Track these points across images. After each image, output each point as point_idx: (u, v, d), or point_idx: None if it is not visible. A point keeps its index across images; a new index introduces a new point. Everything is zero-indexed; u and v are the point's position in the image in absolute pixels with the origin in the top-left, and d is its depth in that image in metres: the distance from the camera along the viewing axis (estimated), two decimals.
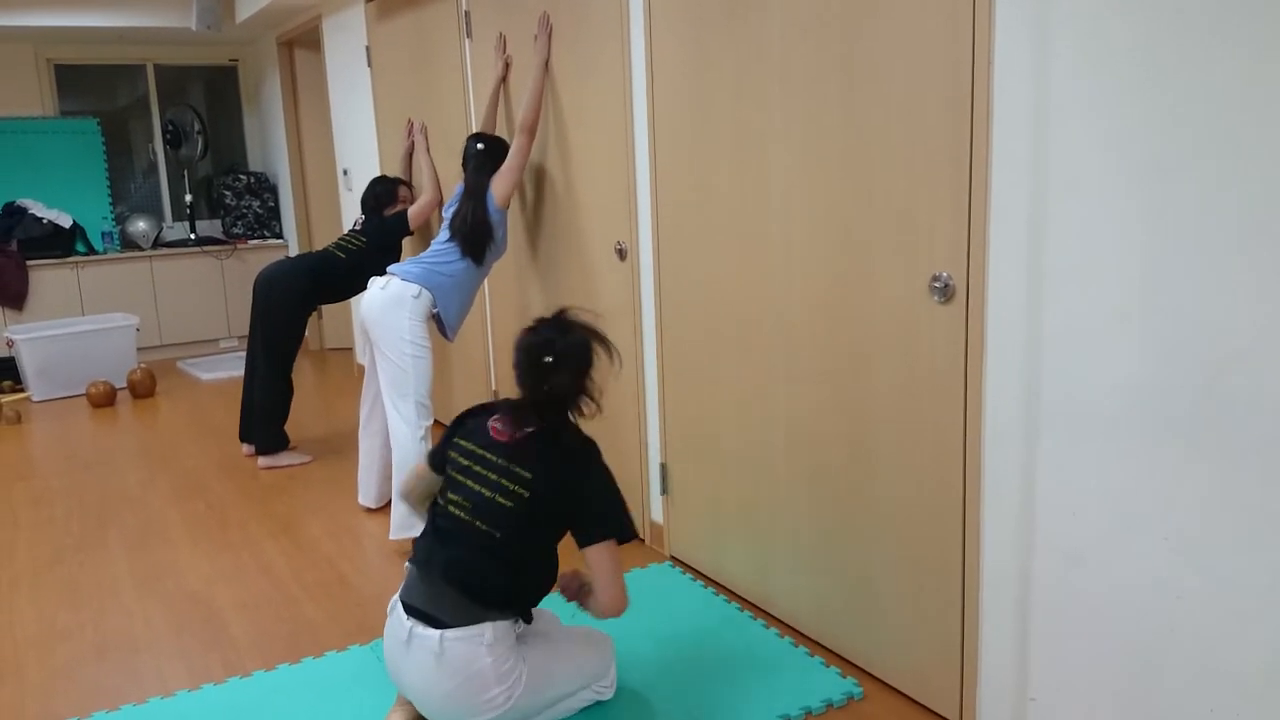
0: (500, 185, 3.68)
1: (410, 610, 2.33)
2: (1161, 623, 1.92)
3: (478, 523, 2.32)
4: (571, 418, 2.41)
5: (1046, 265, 2.02)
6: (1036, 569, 2.16)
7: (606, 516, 2.35)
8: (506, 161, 3.70)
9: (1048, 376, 2.06)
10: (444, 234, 3.78)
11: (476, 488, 2.34)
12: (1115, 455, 1.96)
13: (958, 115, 2.15)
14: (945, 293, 2.24)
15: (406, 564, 2.47)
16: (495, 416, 2.42)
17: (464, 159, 3.82)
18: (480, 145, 3.78)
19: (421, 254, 3.76)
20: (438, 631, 2.27)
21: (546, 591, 2.42)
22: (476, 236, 3.68)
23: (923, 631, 2.48)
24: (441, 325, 3.75)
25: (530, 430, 2.35)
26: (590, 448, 2.40)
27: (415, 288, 3.60)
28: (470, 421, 2.47)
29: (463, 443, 2.43)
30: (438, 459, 2.52)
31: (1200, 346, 1.78)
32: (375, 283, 3.68)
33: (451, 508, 2.37)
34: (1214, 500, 1.80)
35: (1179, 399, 1.83)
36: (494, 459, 2.35)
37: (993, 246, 2.13)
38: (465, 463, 2.39)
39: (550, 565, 2.41)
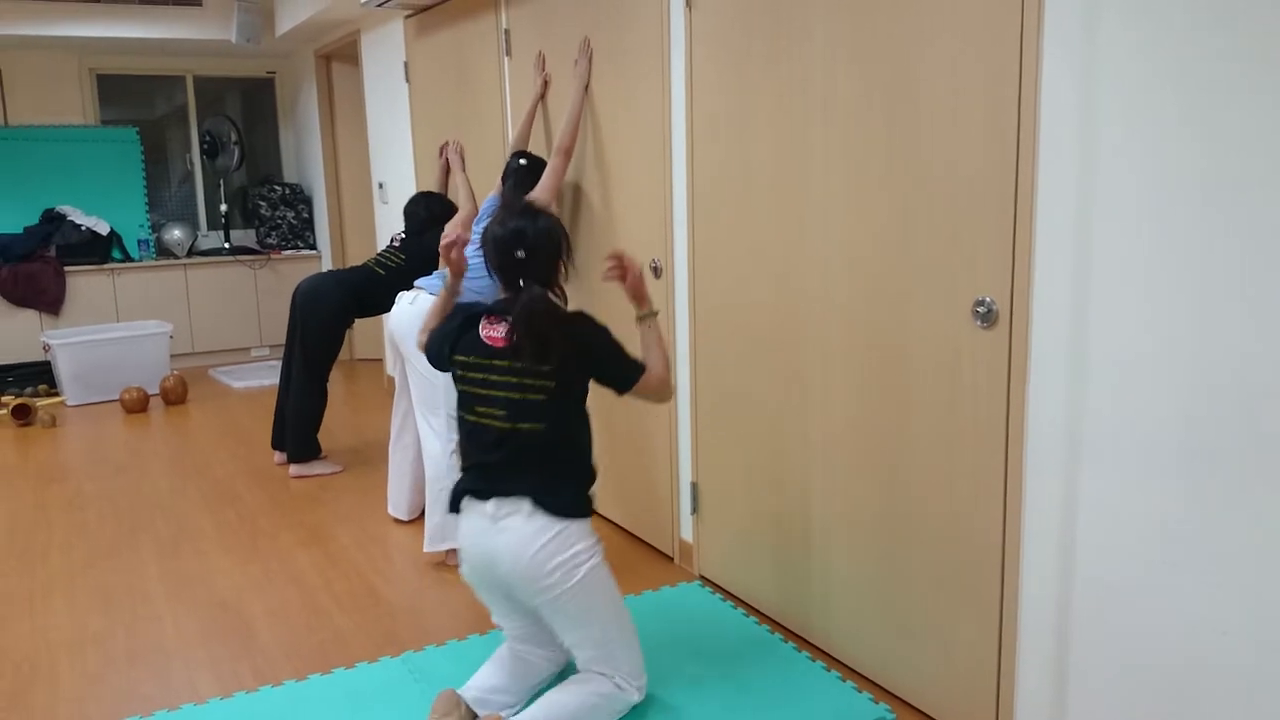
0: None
1: (480, 486, 2.43)
2: (1204, 658, 1.89)
3: (521, 425, 2.41)
4: (552, 297, 2.48)
5: (1092, 292, 2.01)
6: (1075, 599, 2.14)
7: (627, 363, 2.50)
8: (542, 181, 3.70)
9: (1091, 404, 2.04)
10: (473, 247, 3.79)
11: (504, 394, 2.42)
12: (1159, 486, 1.93)
13: (1003, 141, 2.15)
14: (988, 317, 2.22)
15: (453, 484, 2.55)
16: (484, 323, 2.48)
17: (504, 174, 3.84)
18: (523, 161, 3.80)
19: None
20: (527, 497, 2.38)
21: (591, 438, 2.56)
22: None
23: (958, 658, 2.46)
24: None
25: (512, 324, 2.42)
26: (577, 316, 2.49)
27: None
28: (463, 337, 2.51)
29: (465, 359, 2.49)
30: (435, 359, 2.61)
31: (1248, 378, 1.76)
32: (404, 297, 3.71)
33: (487, 420, 2.44)
34: (1259, 534, 1.78)
35: (1225, 430, 1.81)
36: (505, 364, 2.42)
37: (1037, 272, 2.12)
38: (479, 376, 2.46)
39: (587, 419, 2.53)
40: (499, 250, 2.45)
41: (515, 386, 2.41)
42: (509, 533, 2.38)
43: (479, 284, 3.68)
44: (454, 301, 2.78)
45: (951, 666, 2.48)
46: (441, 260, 3.04)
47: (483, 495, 2.43)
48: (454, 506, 2.53)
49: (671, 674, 2.80)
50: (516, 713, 2.43)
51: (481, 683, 2.55)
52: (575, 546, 2.40)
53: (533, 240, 2.43)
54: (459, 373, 2.52)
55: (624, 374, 2.50)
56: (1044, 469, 2.17)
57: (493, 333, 2.45)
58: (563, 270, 2.53)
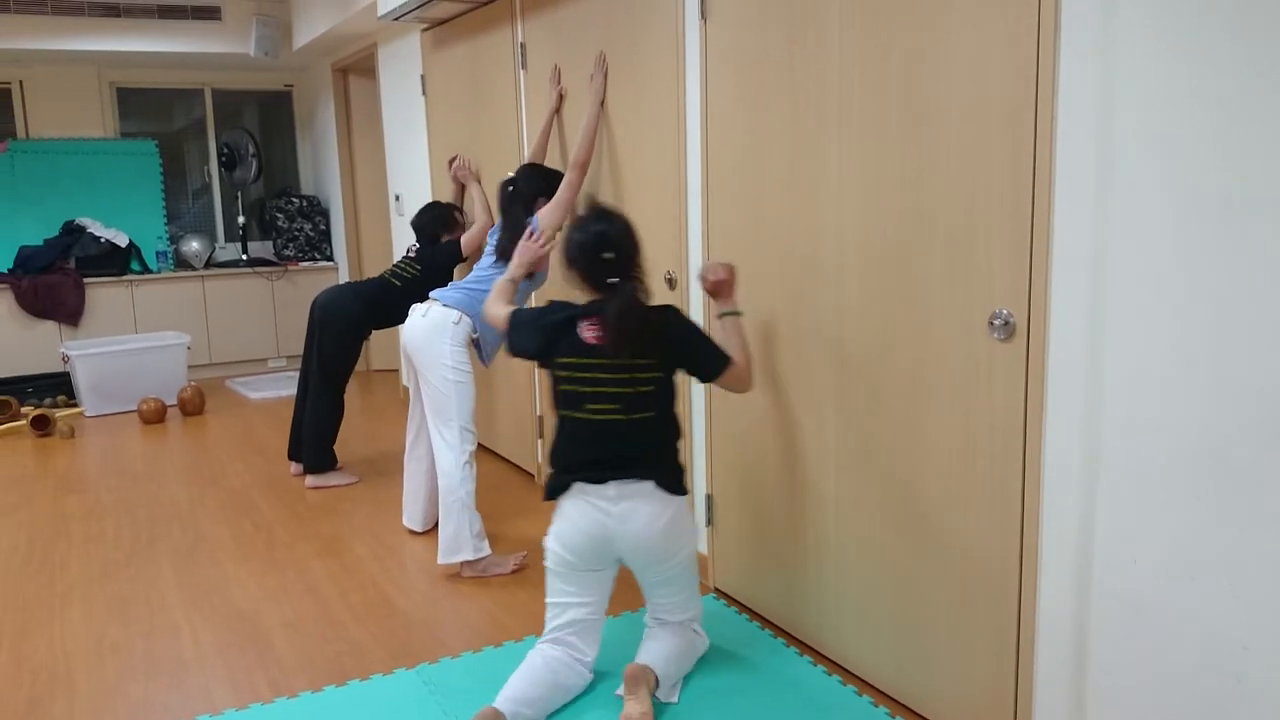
0: (547, 219, 3.69)
1: (596, 475, 2.58)
2: (1227, 674, 1.88)
3: (635, 416, 2.60)
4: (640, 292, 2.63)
5: (1110, 305, 2.00)
6: (1094, 615, 2.12)
7: (714, 353, 2.70)
8: (556, 196, 3.70)
9: (1110, 418, 2.03)
10: (488, 259, 3.81)
11: (616, 390, 2.59)
12: (1179, 501, 1.92)
13: (1019, 151, 2.14)
14: (1005, 330, 2.22)
15: (550, 478, 2.70)
16: (583, 324, 2.62)
17: (500, 205, 3.93)
18: (510, 188, 3.85)
19: (465, 278, 3.79)
20: (650, 479, 2.58)
21: None
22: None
23: (975, 675, 2.45)
24: (480, 350, 3.77)
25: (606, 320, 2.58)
26: (666, 308, 2.68)
27: (455, 313, 3.63)
28: (563, 338, 2.64)
29: (569, 359, 2.63)
30: (526, 351, 2.75)
31: (1268, 391, 1.75)
32: (417, 309, 3.72)
33: (600, 417, 2.60)
34: None
35: (1245, 444, 1.80)
36: (610, 361, 2.58)
37: (1055, 284, 2.11)
38: (585, 375, 2.60)
39: (676, 394, 2.73)
40: (585, 253, 2.61)
41: (627, 382, 2.58)
42: (638, 512, 2.58)
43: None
44: (516, 289, 3.17)
45: (968, 681, 2.47)
46: (519, 256, 3.24)
47: (599, 480, 2.59)
48: (554, 495, 2.68)
49: (687, 686, 2.79)
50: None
51: (513, 694, 2.59)
52: (684, 525, 2.68)
53: (616, 241, 2.61)
54: (562, 374, 2.65)
55: (712, 363, 2.70)
56: (1062, 482, 2.16)
57: (594, 332, 2.60)
58: (641, 266, 2.67)
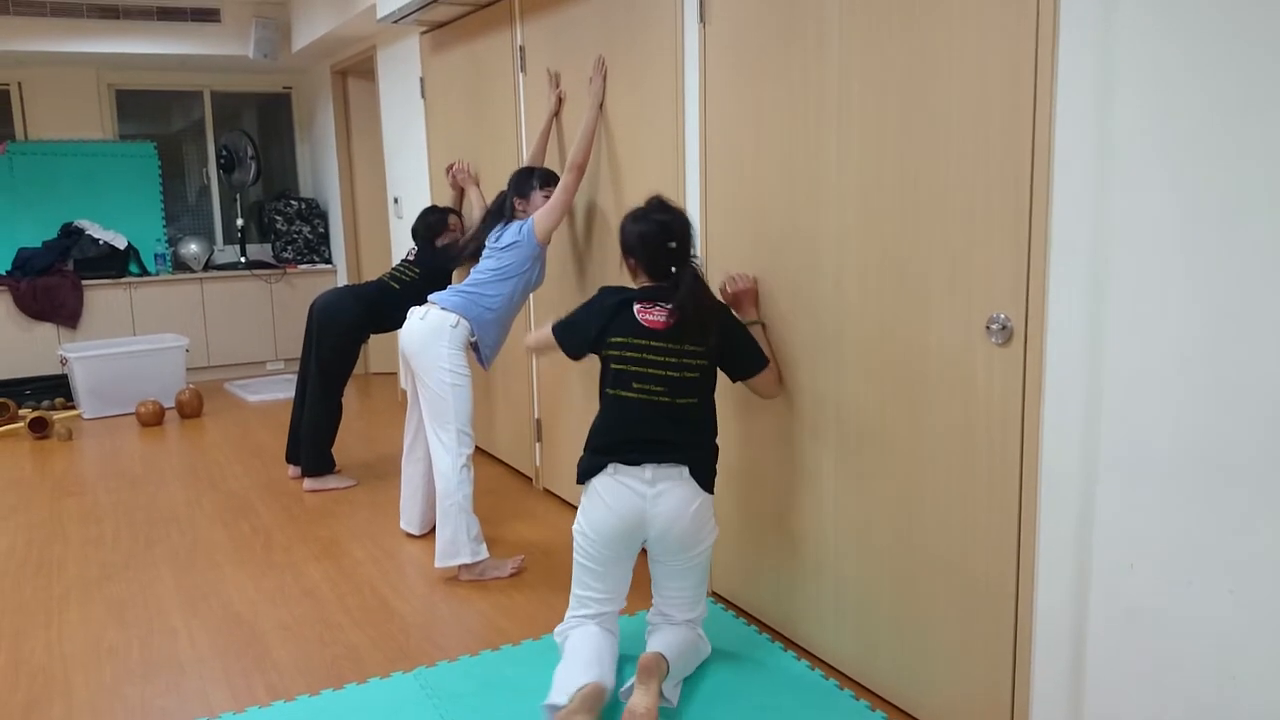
0: (543, 221, 3.69)
1: (633, 456, 2.65)
2: (1224, 676, 1.88)
3: (678, 400, 2.70)
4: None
5: (1108, 309, 2.00)
6: (1092, 619, 2.12)
7: (756, 352, 2.84)
8: (552, 199, 3.71)
9: (1108, 422, 2.04)
10: (485, 261, 3.81)
11: (663, 373, 2.70)
12: (1176, 505, 1.92)
13: (1018, 155, 2.14)
14: (1003, 334, 2.22)
15: (587, 461, 2.75)
16: (639, 307, 2.74)
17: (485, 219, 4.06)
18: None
19: (463, 282, 3.79)
20: (685, 465, 2.67)
21: None
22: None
23: (973, 679, 2.45)
24: (478, 354, 3.77)
25: (672, 310, 2.71)
26: (724, 306, 2.83)
27: (453, 317, 3.63)
28: (618, 320, 2.76)
29: (621, 339, 2.74)
30: (581, 345, 2.86)
31: (1267, 395, 1.75)
32: (415, 313, 3.72)
33: (645, 396, 2.70)
34: (1279, 553, 1.77)
35: (1243, 449, 1.80)
36: (664, 344, 2.70)
37: (1053, 289, 2.12)
38: (636, 355, 2.72)
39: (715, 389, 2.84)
40: (648, 243, 2.76)
41: (675, 365, 2.70)
42: (669, 495, 2.65)
43: (491, 300, 3.70)
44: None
45: (965, 684, 2.47)
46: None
47: (635, 462, 2.66)
48: (588, 476, 2.73)
49: (683, 691, 2.79)
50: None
51: (588, 661, 2.63)
52: (709, 515, 2.75)
53: (679, 230, 2.77)
54: (614, 353, 2.75)
55: (752, 362, 2.84)
56: (1060, 486, 2.16)
57: (650, 316, 2.73)
58: (696, 256, 2.83)
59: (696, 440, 2.72)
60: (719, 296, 2.98)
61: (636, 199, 3.58)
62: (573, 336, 2.88)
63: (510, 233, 3.76)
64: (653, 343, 2.71)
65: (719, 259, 3.21)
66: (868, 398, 2.66)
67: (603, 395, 2.80)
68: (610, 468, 2.68)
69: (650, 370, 2.70)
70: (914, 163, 2.42)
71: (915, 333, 2.48)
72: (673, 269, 2.75)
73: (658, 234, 2.75)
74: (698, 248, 2.83)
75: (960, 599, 2.45)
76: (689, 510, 2.66)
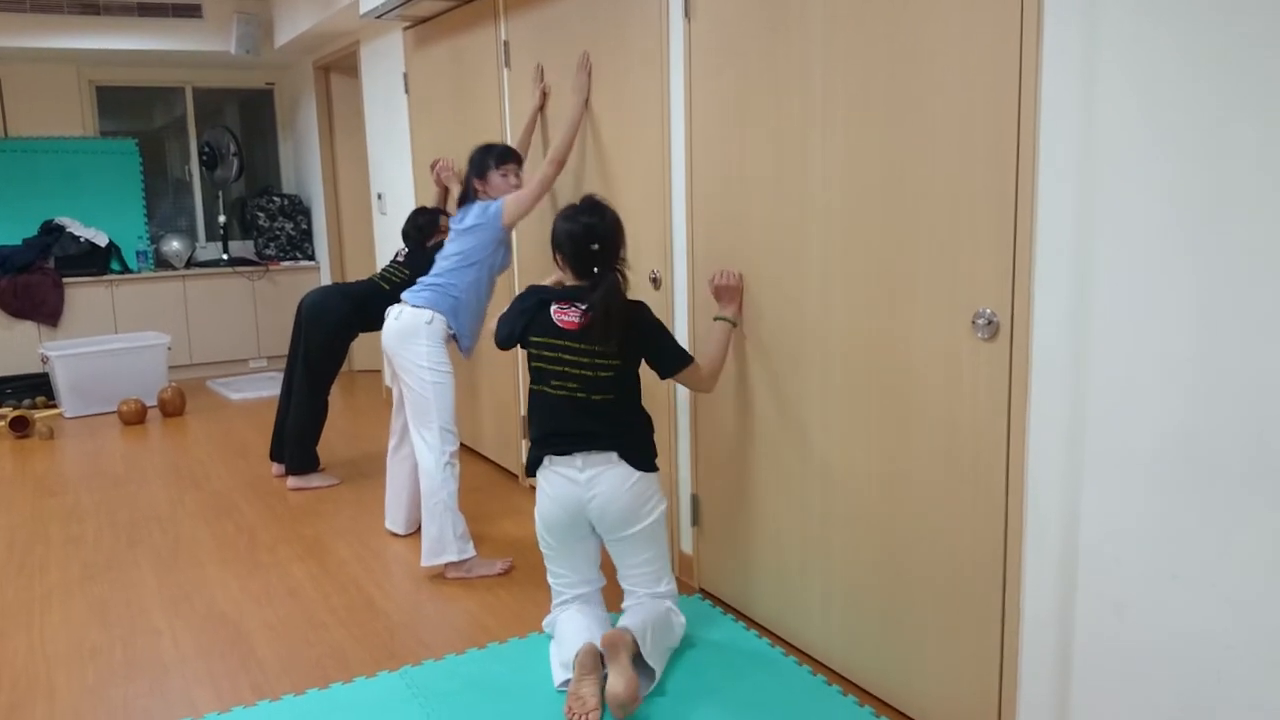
0: (512, 208, 3.65)
1: (563, 448, 2.78)
2: (1209, 673, 1.89)
3: (594, 396, 2.79)
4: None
5: (1094, 304, 2.01)
6: (1079, 614, 2.13)
7: (675, 351, 2.88)
8: (527, 188, 3.65)
9: (1093, 418, 2.04)
10: (448, 247, 3.76)
11: (577, 371, 2.80)
12: (1162, 501, 1.93)
13: (1003, 150, 2.14)
14: (989, 329, 2.22)
15: (529, 446, 2.91)
16: (556, 307, 2.83)
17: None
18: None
19: (430, 273, 3.75)
20: (613, 450, 2.78)
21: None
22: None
23: (960, 674, 2.45)
24: (459, 344, 3.75)
25: (585, 310, 2.78)
26: (639, 304, 2.86)
27: (427, 313, 3.61)
28: (535, 320, 2.86)
29: (539, 339, 2.85)
30: (508, 340, 2.96)
31: (1251, 395, 1.76)
32: (391, 312, 3.70)
33: (563, 392, 2.81)
34: (1264, 548, 1.77)
35: (1228, 443, 1.80)
36: (577, 345, 2.79)
37: (1038, 283, 2.12)
38: (553, 354, 2.83)
39: (639, 384, 2.91)
40: (574, 243, 2.82)
41: (588, 365, 2.79)
42: (603, 479, 2.78)
43: (459, 288, 3.66)
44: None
45: (953, 680, 2.47)
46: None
47: (565, 452, 2.79)
48: (532, 471, 2.90)
49: (672, 688, 2.78)
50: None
51: (583, 629, 2.82)
52: (651, 491, 2.85)
53: (603, 233, 2.81)
54: (534, 351, 2.87)
55: (672, 360, 2.88)
56: (1045, 482, 2.16)
57: (565, 316, 2.81)
58: (623, 259, 2.89)
59: (620, 429, 2.82)
60: (708, 288, 3.09)
61: (621, 194, 3.58)
62: (502, 328, 2.98)
63: (473, 214, 3.70)
64: (567, 343, 2.81)
65: (705, 252, 3.20)
66: (853, 393, 2.66)
67: (530, 389, 2.93)
68: (546, 460, 2.84)
69: (566, 369, 2.81)
70: (899, 157, 2.41)
71: (900, 328, 2.47)
72: (594, 269, 2.81)
73: (582, 236, 2.81)
74: (626, 250, 2.92)
75: (947, 594, 2.45)
76: (624, 489, 2.78)
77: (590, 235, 2.80)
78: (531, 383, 2.90)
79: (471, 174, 3.79)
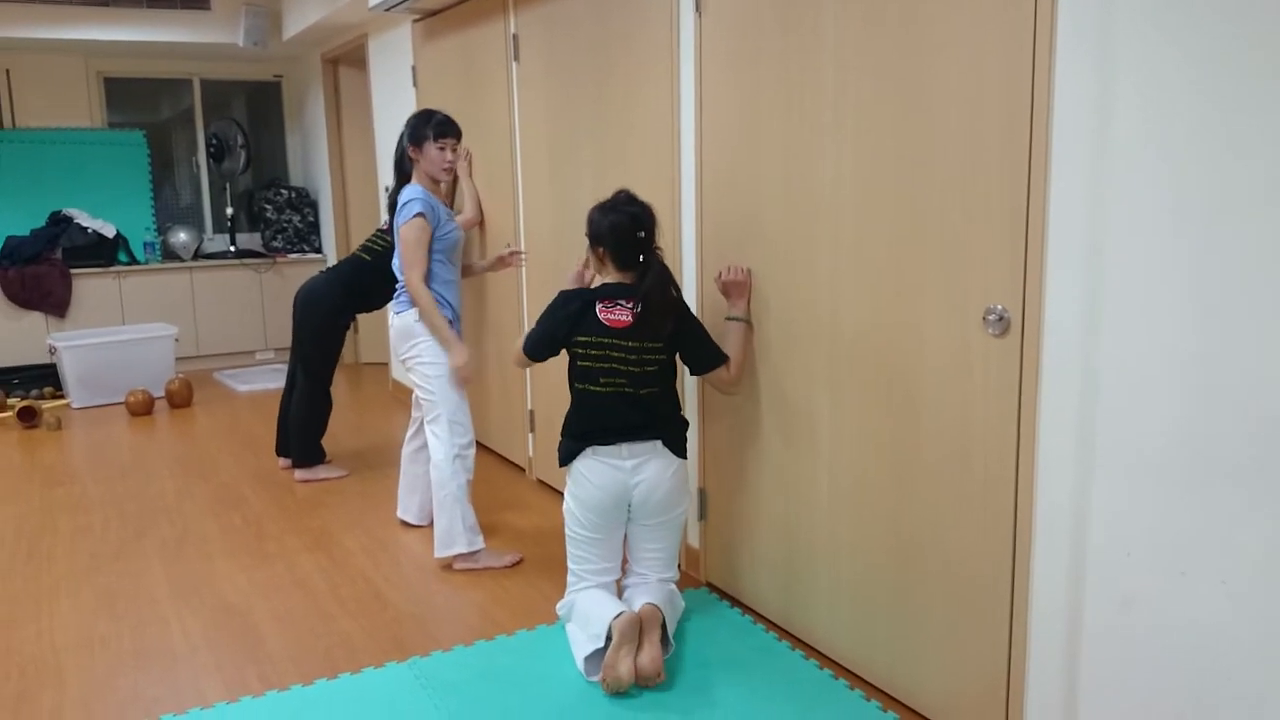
0: (402, 245, 3.60)
1: (609, 439, 2.86)
2: (1218, 669, 1.89)
3: (641, 391, 2.89)
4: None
5: (1105, 301, 2.00)
6: (1087, 609, 2.13)
7: (714, 349, 2.99)
8: (413, 247, 3.54)
9: (1103, 414, 2.04)
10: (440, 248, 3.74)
11: (624, 368, 2.88)
12: (1171, 497, 1.93)
13: (1015, 147, 2.14)
14: (1000, 325, 2.22)
15: (566, 445, 2.97)
16: (601, 306, 2.89)
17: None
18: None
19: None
20: (658, 439, 2.90)
21: None
22: None
23: (968, 668, 2.45)
24: (457, 328, 3.73)
25: (636, 302, 2.86)
26: (682, 300, 2.96)
27: (413, 312, 3.61)
28: (581, 321, 2.90)
29: (585, 339, 2.90)
30: (549, 348, 3.00)
31: (1261, 392, 1.76)
32: (390, 308, 3.71)
33: (610, 389, 2.89)
34: (1273, 546, 1.77)
35: (1239, 441, 1.80)
36: (626, 343, 2.87)
37: (1049, 281, 2.12)
38: (600, 353, 2.89)
39: (677, 376, 3.05)
40: (620, 233, 2.87)
41: (635, 361, 2.88)
42: (647, 466, 2.88)
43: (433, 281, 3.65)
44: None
45: (961, 675, 2.47)
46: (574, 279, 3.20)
47: (611, 442, 2.87)
48: (568, 460, 2.94)
49: (679, 681, 2.79)
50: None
51: (610, 602, 2.87)
52: (686, 480, 3.01)
53: (648, 221, 2.90)
54: (580, 351, 2.92)
55: (709, 357, 2.98)
56: (1055, 478, 2.16)
57: (611, 315, 2.88)
58: (660, 247, 2.96)
59: (663, 419, 2.92)
60: (714, 284, 3.14)
61: (629, 186, 3.58)
62: (539, 347, 3.02)
63: (398, 214, 3.63)
64: (615, 340, 2.88)
65: (715, 247, 3.20)
66: (863, 388, 2.66)
67: (572, 388, 2.98)
68: (589, 450, 2.90)
69: (614, 365, 2.88)
70: (910, 153, 2.41)
71: (911, 323, 2.47)
72: (640, 258, 2.88)
73: (629, 225, 2.87)
74: (661, 239, 2.98)
75: (956, 590, 2.45)
76: (667, 475, 2.91)
77: (637, 223, 2.87)
78: (576, 381, 2.96)
79: (407, 139, 3.68)
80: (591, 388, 2.91)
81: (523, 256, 4.38)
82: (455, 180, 4.95)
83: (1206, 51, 1.78)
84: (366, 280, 4.57)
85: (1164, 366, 1.91)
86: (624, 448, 2.87)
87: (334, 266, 4.76)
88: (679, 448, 2.95)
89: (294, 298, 4.70)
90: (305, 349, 4.64)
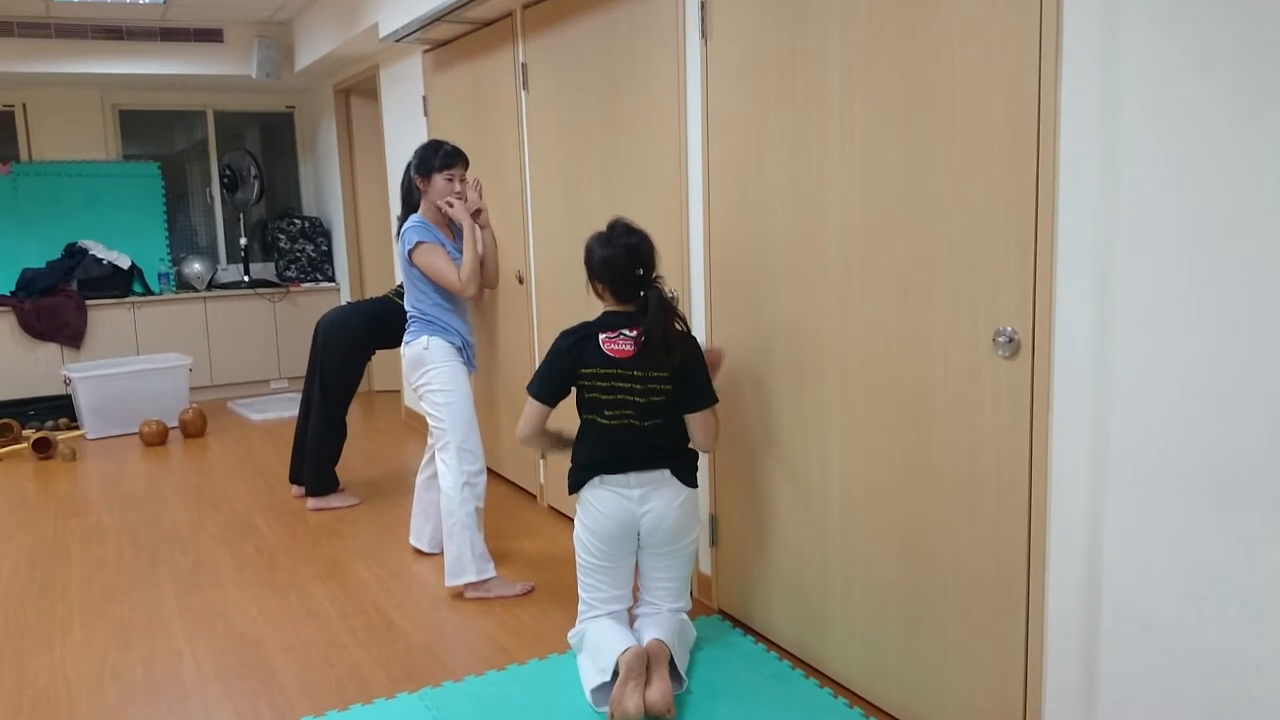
0: (421, 263, 3.64)
1: (616, 469, 2.84)
2: (1239, 693, 1.86)
3: (647, 422, 2.85)
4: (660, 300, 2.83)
5: (1116, 320, 1.99)
6: (1104, 633, 2.10)
7: (709, 388, 2.92)
8: (439, 272, 3.59)
9: (1116, 434, 2.02)
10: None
11: (630, 399, 2.83)
12: (1187, 517, 1.90)
13: (1022, 167, 2.14)
14: (1010, 347, 2.20)
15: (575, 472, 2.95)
16: (605, 337, 2.84)
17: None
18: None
19: (411, 308, 3.73)
20: (666, 468, 2.87)
21: None
22: None
23: (983, 691, 2.42)
24: (466, 355, 3.73)
25: (639, 334, 2.80)
26: (689, 335, 2.89)
27: (423, 339, 3.62)
28: (584, 354, 2.85)
29: (590, 371, 2.85)
30: (552, 396, 2.94)
31: (1277, 415, 1.74)
32: (407, 338, 3.72)
33: (617, 421, 2.85)
34: None
35: (1255, 461, 1.78)
36: (632, 373, 2.82)
37: (1059, 301, 2.10)
38: (606, 384, 2.85)
39: None
40: (615, 268, 2.82)
41: (641, 392, 2.83)
42: (656, 495, 2.86)
43: (425, 301, 3.65)
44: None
45: (976, 698, 2.44)
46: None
47: (619, 471, 2.85)
48: (577, 488, 2.92)
49: (690, 709, 2.76)
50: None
51: (621, 634, 2.85)
52: (695, 509, 2.96)
53: (646, 256, 2.85)
54: (586, 383, 2.88)
55: (704, 395, 2.91)
56: (1069, 499, 2.14)
57: (614, 346, 2.83)
58: (659, 275, 2.91)
59: (671, 450, 2.89)
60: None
61: (638, 216, 3.58)
62: (548, 387, 2.94)
63: (400, 247, 3.65)
64: (620, 371, 2.83)
65: (723, 269, 3.20)
66: (873, 411, 2.64)
67: (580, 416, 2.96)
68: (597, 479, 2.88)
69: (619, 397, 2.84)
70: (918, 174, 2.41)
71: (921, 346, 2.46)
72: (640, 292, 2.83)
73: (625, 260, 2.82)
74: (660, 269, 2.93)
75: (970, 613, 2.43)
76: (675, 505, 2.88)
77: (633, 258, 2.82)
78: (582, 413, 2.93)
79: (414, 170, 3.70)
80: (598, 420, 2.88)
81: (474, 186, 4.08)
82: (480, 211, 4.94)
83: (1215, 65, 1.77)
84: (394, 321, 4.60)
85: (1177, 384, 1.89)
86: (631, 477, 2.85)
87: (363, 302, 4.85)
88: (688, 477, 2.92)
89: (316, 326, 4.74)
90: (327, 377, 4.68)
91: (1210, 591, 1.88)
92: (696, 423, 2.92)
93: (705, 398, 2.91)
